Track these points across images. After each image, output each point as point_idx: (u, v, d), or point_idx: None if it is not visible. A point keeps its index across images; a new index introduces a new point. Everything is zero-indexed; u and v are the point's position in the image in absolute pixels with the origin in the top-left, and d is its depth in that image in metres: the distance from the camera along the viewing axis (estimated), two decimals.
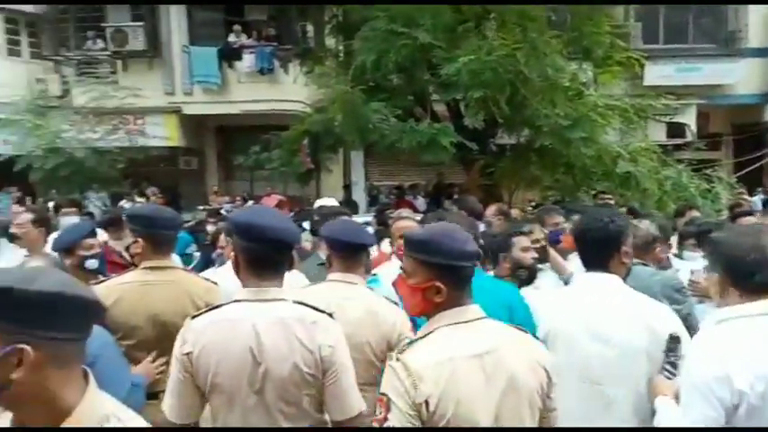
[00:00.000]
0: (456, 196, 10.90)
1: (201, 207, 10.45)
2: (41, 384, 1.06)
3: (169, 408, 1.75)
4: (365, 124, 7.73)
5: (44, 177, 10.78)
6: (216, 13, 11.73)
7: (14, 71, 12.27)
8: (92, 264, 2.77)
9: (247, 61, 11.29)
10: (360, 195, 12.11)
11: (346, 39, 9.20)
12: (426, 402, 1.42)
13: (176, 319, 2.06)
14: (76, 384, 1.12)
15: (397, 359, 1.47)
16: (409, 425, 1.43)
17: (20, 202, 10.64)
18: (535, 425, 1.55)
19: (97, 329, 1.47)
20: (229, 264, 2.47)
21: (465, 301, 1.55)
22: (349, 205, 10.89)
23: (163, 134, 11.96)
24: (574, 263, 2.71)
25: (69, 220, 5.16)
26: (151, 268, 2.34)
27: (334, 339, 1.75)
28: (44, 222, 3.91)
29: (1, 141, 11.97)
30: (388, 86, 8.10)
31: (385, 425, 1.44)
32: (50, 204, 8.12)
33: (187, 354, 1.69)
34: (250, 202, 10.81)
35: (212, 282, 2.48)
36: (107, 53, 11.80)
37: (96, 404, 1.13)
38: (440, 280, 1.52)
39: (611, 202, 6.15)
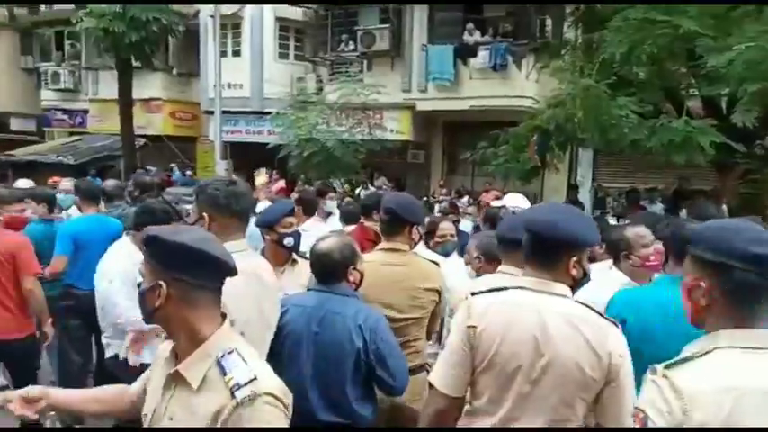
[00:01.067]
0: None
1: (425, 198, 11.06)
2: (178, 316, 1.39)
3: (440, 377, 1.78)
4: (608, 121, 7.36)
5: (299, 164, 12.53)
6: (455, 12, 12.14)
7: (282, 71, 14.43)
8: (289, 241, 2.93)
9: (481, 58, 11.53)
10: (585, 197, 11.58)
11: (588, 31, 8.84)
12: None
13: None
14: (212, 322, 1.41)
15: (664, 375, 1.30)
16: None
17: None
18: None
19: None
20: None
21: (754, 321, 1.29)
22: (576, 205, 10.51)
23: (397, 128, 12.91)
24: None
25: (332, 203, 6.07)
26: (387, 250, 2.71)
27: (624, 349, 1.69)
28: (305, 203, 5.05)
29: (266, 131, 14.29)
30: (634, 80, 7.59)
31: None
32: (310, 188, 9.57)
33: (473, 326, 1.73)
34: (465, 197, 11.16)
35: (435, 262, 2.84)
36: (356, 54, 13.11)
37: (223, 338, 1.41)
38: (708, 280, 1.32)
39: None
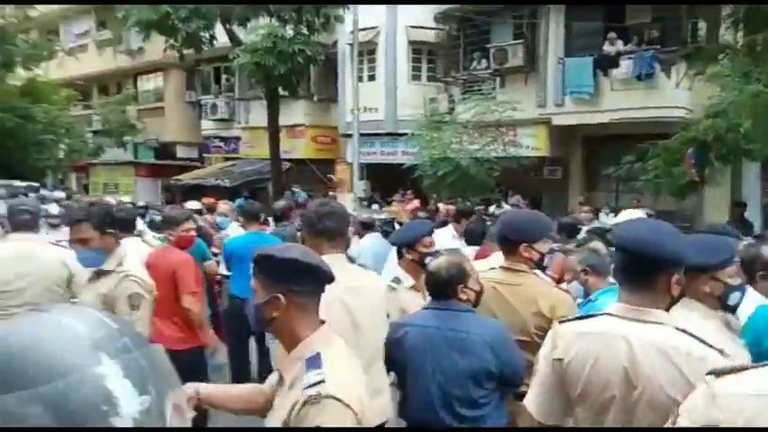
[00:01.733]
0: None
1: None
2: (288, 321, 1.59)
3: (536, 406, 1.78)
4: None
5: (433, 183, 12.76)
6: (594, 23, 11.68)
7: (415, 93, 14.83)
8: (430, 260, 2.70)
9: (624, 68, 10.94)
10: (754, 214, 10.43)
11: (751, 32, 8.07)
12: None
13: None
14: (312, 324, 1.61)
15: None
16: None
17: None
18: None
19: None
20: None
21: None
22: (744, 225, 9.52)
23: (532, 144, 12.65)
24: None
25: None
26: (504, 269, 2.65)
27: None
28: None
29: (400, 152, 14.73)
30: None
31: None
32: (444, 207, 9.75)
33: (559, 359, 1.70)
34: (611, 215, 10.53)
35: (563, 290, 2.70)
36: (488, 71, 13.10)
37: (315, 342, 1.58)
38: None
39: None
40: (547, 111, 12.50)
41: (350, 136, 14.85)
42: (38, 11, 19.70)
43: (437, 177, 12.32)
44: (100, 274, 2.94)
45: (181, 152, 21.73)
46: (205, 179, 18.33)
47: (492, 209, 12.21)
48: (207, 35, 14.82)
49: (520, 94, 12.54)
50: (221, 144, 20.21)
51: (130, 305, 2.70)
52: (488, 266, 2.83)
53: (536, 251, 2.60)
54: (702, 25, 10.22)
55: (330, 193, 15.26)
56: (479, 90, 13.00)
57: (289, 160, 16.70)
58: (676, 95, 10.39)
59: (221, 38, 15.22)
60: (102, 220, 2.94)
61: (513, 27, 12.90)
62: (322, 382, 1.50)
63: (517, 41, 12.63)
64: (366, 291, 2.40)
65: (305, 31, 14.37)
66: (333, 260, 1.99)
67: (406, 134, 13.64)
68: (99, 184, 23.61)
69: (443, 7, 13.59)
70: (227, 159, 19.86)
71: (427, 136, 12.50)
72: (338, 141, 17.45)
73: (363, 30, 14.52)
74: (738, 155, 8.81)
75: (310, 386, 1.50)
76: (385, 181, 14.99)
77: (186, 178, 19.27)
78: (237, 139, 19.49)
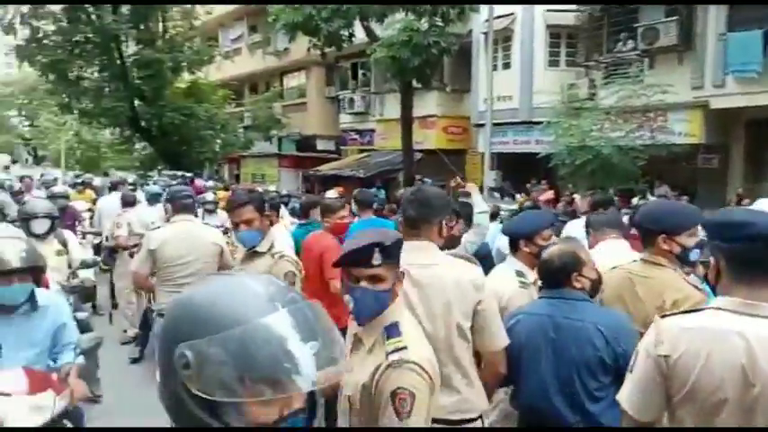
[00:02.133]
0: None
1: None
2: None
3: (628, 400, 1.69)
4: None
5: (570, 172, 12.16)
6: None
7: (552, 79, 14.25)
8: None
9: None
10: None
11: None
12: None
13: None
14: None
15: None
16: None
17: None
18: None
19: None
20: None
21: None
22: None
23: (685, 130, 11.56)
24: None
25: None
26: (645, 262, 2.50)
27: None
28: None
29: (534, 141, 14.26)
30: None
31: None
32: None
33: (664, 356, 1.60)
34: None
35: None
36: (636, 53, 12.19)
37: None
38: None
39: None
40: (704, 93, 11.34)
41: (482, 125, 14.68)
42: (200, 19, 21.97)
43: (575, 166, 11.77)
44: (254, 255, 3.25)
45: (320, 145, 23.03)
46: (341, 170, 19.27)
47: (635, 200, 11.40)
48: (346, 33, 15.52)
49: (672, 75, 11.50)
50: (357, 136, 21.07)
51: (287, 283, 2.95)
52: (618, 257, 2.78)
53: (677, 243, 2.42)
54: None
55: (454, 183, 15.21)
56: (625, 73, 12.12)
57: (420, 151, 16.95)
58: None
59: (359, 35, 15.85)
60: (261, 204, 3.31)
61: (666, 2, 11.84)
62: (404, 348, 1.68)
63: (670, 18, 11.58)
64: (435, 288, 2.24)
65: (440, 22, 14.49)
66: (409, 248, 2.05)
67: (541, 122, 13.18)
68: (248, 175, 25.89)
69: None
70: (361, 151, 20.67)
71: (565, 123, 11.97)
72: (469, 131, 17.35)
73: (499, 17, 14.26)
74: None
75: (394, 351, 1.68)
76: (517, 171, 14.63)
77: (324, 169, 20.41)
78: (372, 131, 20.19)
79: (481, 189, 13.83)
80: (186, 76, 21.53)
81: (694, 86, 11.47)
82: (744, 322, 1.52)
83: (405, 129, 16.00)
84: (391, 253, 1.78)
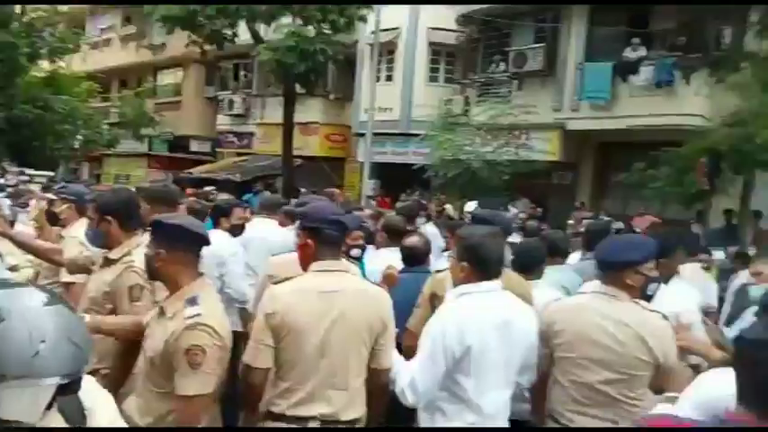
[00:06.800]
0: None
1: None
2: (170, 272, 2.08)
3: None
4: None
5: (443, 184, 12.63)
6: (618, 27, 11.61)
7: (431, 94, 14.81)
8: (356, 253, 3.12)
9: (644, 74, 10.79)
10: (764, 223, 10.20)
11: None
12: None
13: None
14: (191, 276, 2.09)
15: None
16: None
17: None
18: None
19: None
20: None
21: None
22: (729, 231, 9.31)
23: (545, 149, 12.50)
24: None
25: None
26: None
27: None
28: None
29: (411, 153, 14.66)
30: None
31: None
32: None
33: None
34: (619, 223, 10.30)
35: None
36: (506, 74, 13.04)
37: (195, 288, 2.06)
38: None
39: None
40: (562, 115, 12.36)
41: (363, 135, 14.81)
42: (67, 6, 20.06)
43: (447, 178, 12.24)
44: (107, 262, 2.73)
45: (194, 146, 21.85)
46: (216, 173, 18.35)
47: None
48: (230, 32, 14.97)
49: (536, 97, 12.44)
50: (234, 139, 20.29)
51: (130, 297, 2.49)
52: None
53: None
54: (728, 33, 10.11)
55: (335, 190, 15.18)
56: (496, 93, 12.93)
57: (300, 157, 16.67)
58: (695, 103, 10.23)
59: (243, 35, 15.37)
60: (111, 206, 2.78)
61: (535, 31, 12.84)
62: (199, 315, 1.95)
63: (538, 45, 12.57)
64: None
65: (327, 30, 14.49)
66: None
67: (418, 135, 13.58)
68: (111, 175, 23.77)
69: (466, 9, 13.60)
70: (239, 155, 19.91)
71: (440, 137, 12.44)
72: (350, 140, 17.43)
73: (385, 30, 14.57)
74: (753, 166, 8.63)
75: (189, 317, 1.94)
76: (394, 181, 14.91)
77: (197, 172, 19.32)
78: (251, 134, 19.56)
79: (358, 197, 14.12)
80: (46, 64, 19.41)
81: (554, 109, 12.47)
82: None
83: (286, 134, 15.67)
84: (154, 231, 2.14)
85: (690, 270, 3.51)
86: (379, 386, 2.17)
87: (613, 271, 2.24)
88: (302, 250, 2.17)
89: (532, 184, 12.75)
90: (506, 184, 11.80)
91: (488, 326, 2.10)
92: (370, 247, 4.04)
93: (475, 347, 2.07)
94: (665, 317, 2.28)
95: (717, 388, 1.61)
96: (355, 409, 2.11)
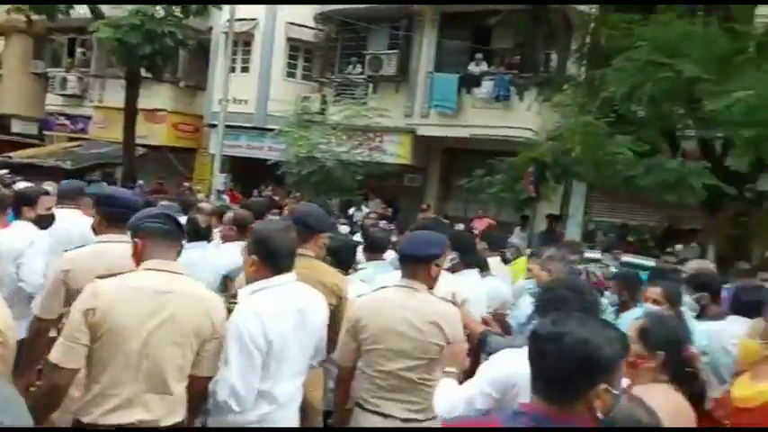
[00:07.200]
0: (693, 244, 9.82)
1: None
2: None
3: None
4: (604, 157, 7.47)
5: (297, 181, 12.56)
6: (463, 42, 12.42)
7: (288, 90, 14.63)
8: None
9: (485, 87, 11.69)
10: (574, 230, 11.65)
11: (592, 67, 9.03)
12: None
13: None
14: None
15: None
16: None
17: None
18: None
19: None
20: None
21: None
22: (551, 233, 10.56)
23: (397, 152, 12.99)
24: None
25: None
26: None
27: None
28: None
29: (267, 147, 14.37)
30: (633, 119, 7.72)
31: None
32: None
33: None
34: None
35: None
36: (363, 77, 13.31)
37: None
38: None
39: None
40: (413, 121, 12.93)
41: (215, 126, 14.19)
42: None
43: (302, 176, 12.18)
44: None
45: (16, 127, 19.22)
46: (43, 159, 16.29)
47: (352, 211, 12.33)
48: (63, 5, 13.45)
49: (390, 102, 12.87)
50: (67, 122, 18.26)
51: None
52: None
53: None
54: (555, 57, 11.31)
55: (186, 184, 14.39)
56: (352, 94, 13.13)
57: (144, 146, 15.49)
58: (527, 118, 11.30)
59: (81, 8, 13.89)
60: None
61: (390, 37, 13.27)
62: None
63: (392, 51, 13.00)
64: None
65: (178, 12, 13.61)
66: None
67: (274, 129, 13.36)
68: None
69: (324, 8, 13.64)
70: (72, 139, 17.94)
71: (295, 134, 12.34)
72: (201, 131, 16.59)
73: (241, 20, 14.09)
74: (569, 176, 9.73)
75: None
76: (248, 175, 14.49)
77: (19, 156, 17.00)
78: (87, 118, 17.74)
79: (208, 191, 13.50)
80: None
81: (406, 114, 13.01)
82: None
83: (128, 120, 14.46)
84: None
85: (492, 263, 4.13)
86: (194, 393, 2.07)
87: (416, 264, 2.43)
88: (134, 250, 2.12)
89: (385, 185, 13.20)
90: (360, 184, 12.09)
91: (285, 319, 2.14)
92: (214, 242, 4.07)
93: (276, 342, 2.10)
94: (455, 304, 2.52)
95: (506, 367, 1.95)
96: (178, 415, 2.02)
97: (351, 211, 12.28)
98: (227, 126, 13.78)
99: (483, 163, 10.26)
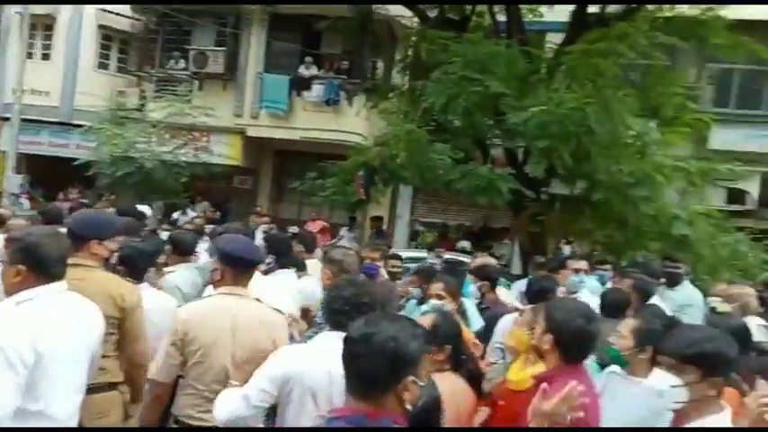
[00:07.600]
0: (506, 240, 10.90)
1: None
2: None
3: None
4: (426, 163, 7.88)
5: (111, 183, 11.41)
6: (293, 45, 12.27)
7: (101, 83, 13.22)
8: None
9: (315, 91, 11.69)
10: (403, 230, 12.24)
11: (414, 78, 9.50)
12: None
13: None
14: None
15: None
16: None
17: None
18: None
19: None
20: None
21: None
22: (378, 236, 11.02)
23: (226, 153, 12.45)
24: None
25: None
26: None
27: None
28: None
29: (74, 145, 12.86)
30: (450, 128, 8.26)
31: None
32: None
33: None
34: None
35: None
36: (187, 73, 12.50)
37: None
38: None
39: (680, 270, 5.29)
40: (243, 121, 12.49)
41: (8, 119, 12.33)
42: None
43: (116, 177, 11.13)
44: None
45: None
46: None
47: (176, 215, 11.53)
48: None
49: (217, 100, 12.28)
50: None
51: None
52: None
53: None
54: (381, 65, 11.70)
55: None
56: (175, 90, 12.27)
57: None
58: (356, 123, 11.55)
59: None
60: None
61: (216, 33, 12.64)
62: None
63: (219, 48, 12.39)
64: None
65: None
66: None
67: (83, 125, 11.99)
68: None
69: None
70: None
71: (109, 131, 11.23)
72: None
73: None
74: (396, 180, 10.17)
75: None
76: (50, 176, 12.81)
77: None
78: None
79: (0, 194, 11.64)
80: None
81: (236, 114, 12.51)
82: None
83: None
84: None
85: (310, 264, 4.39)
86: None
87: (246, 270, 2.47)
88: None
89: (214, 187, 12.60)
90: (185, 187, 11.40)
91: (57, 331, 1.98)
92: None
93: (46, 356, 1.92)
94: (279, 311, 2.54)
95: (283, 366, 2.09)
96: None
97: (175, 215, 11.47)
98: (24, 120, 12.08)
99: (315, 166, 10.27)
